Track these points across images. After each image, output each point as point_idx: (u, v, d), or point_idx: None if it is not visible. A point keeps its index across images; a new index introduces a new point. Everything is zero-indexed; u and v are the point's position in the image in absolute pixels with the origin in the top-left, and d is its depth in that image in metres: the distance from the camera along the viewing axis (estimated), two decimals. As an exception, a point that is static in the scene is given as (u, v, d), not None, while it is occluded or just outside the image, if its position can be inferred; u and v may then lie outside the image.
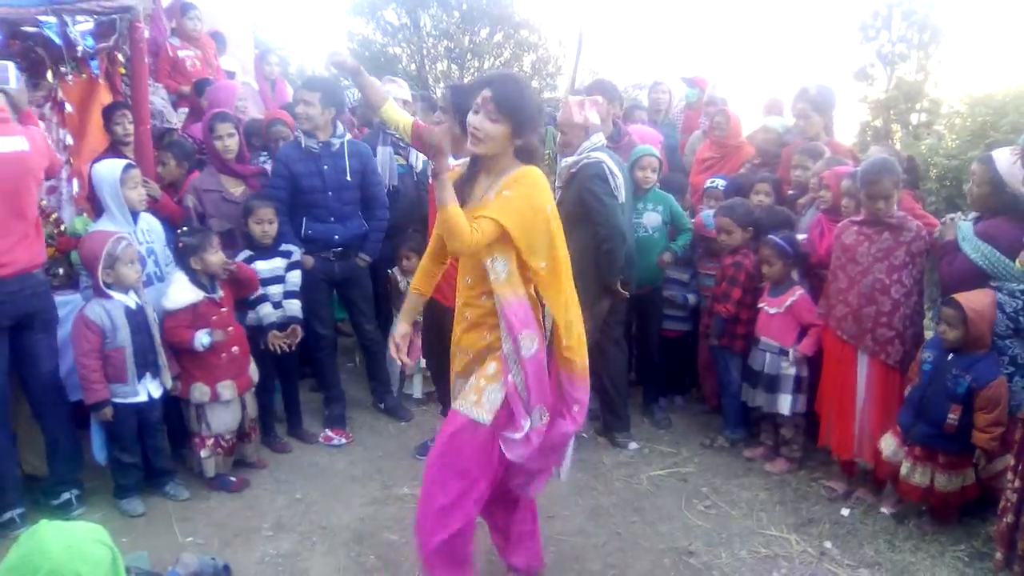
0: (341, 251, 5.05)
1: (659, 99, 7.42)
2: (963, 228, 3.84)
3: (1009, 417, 3.59)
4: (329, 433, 5.02)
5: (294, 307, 4.76)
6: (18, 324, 3.86)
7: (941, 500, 3.84)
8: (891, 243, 3.97)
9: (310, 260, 4.94)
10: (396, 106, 4.50)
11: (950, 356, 3.75)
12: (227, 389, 4.30)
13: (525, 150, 2.84)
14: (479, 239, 2.67)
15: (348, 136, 5.03)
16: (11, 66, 4.06)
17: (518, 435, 2.86)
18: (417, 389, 5.78)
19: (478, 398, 2.89)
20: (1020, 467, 3.34)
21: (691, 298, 5.27)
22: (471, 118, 2.77)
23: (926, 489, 3.82)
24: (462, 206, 2.79)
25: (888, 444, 3.93)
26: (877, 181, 3.92)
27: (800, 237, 4.63)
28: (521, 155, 2.85)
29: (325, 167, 4.86)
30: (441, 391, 4.95)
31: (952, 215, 4.06)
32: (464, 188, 2.92)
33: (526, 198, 2.75)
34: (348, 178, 4.94)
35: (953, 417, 3.67)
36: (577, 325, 2.95)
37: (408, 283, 5.33)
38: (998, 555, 3.47)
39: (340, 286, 5.21)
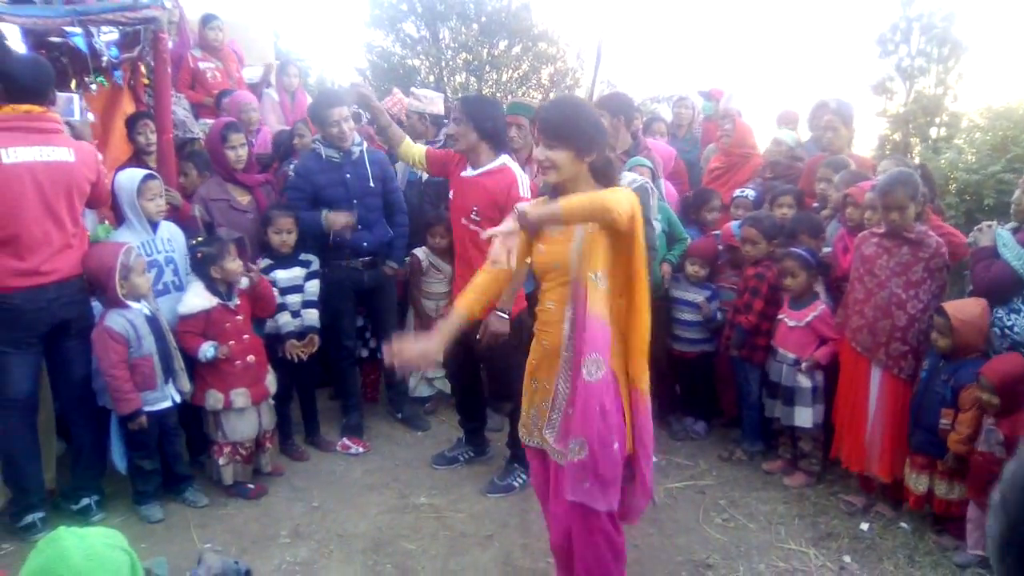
0: (369, 260, 5.01)
1: (682, 114, 7.39)
2: (1003, 236, 3.81)
3: None
4: (347, 442, 5.03)
5: (312, 316, 4.79)
6: (54, 330, 3.91)
7: (943, 508, 3.85)
8: (910, 258, 3.95)
9: (340, 218, 4.81)
10: (410, 143, 4.70)
11: (940, 363, 3.80)
12: (240, 397, 4.32)
13: (601, 171, 2.79)
14: (628, 208, 2.57)
15: (365, 144, 5.05)
16: (76, 99, 4.12)
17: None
18: (424, 389, 5.75)
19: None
20: None
21: (718, 315, 5.09)
22: (535, 152, 2.81)
23: (925, 496, 3.86)
24: (539, 237, 2.82)
25: (910, 474, 3.96)
26: (891, 192, 3.91)
27: (824, 250, 4.62)
28: (599, 177, 2.79)
29: (347, 176, 4.86)
30: (461, 401, 4.93)
31: (989, 222, 4.03)
32: None
33: (627, 200, 2.62)
34: (371, 184, 4.93)
35: (945, 422, 3.71)
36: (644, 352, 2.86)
37: (431, 263, 5.42)
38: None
39: (367, 296, 5.16)
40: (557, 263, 2.81)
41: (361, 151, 4.90)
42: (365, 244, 4.92)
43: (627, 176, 4.32)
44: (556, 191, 2.82)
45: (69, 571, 1.77)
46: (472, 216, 4.25)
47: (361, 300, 5.20)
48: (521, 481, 4.39)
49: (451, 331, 2.88)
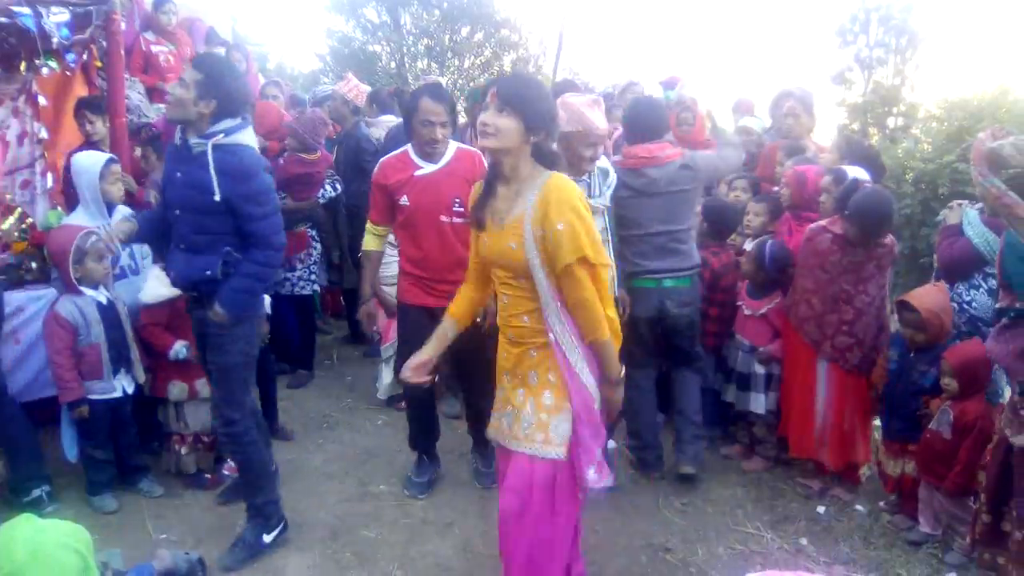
0: (196, 296, 3.64)
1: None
2: (970, 214, 3.91)
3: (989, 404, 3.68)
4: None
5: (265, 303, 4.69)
6: None
7: (912, 486, 3.91)
8: (862, 257, 4.00)
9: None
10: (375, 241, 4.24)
11: (912, 354, 3.85)
12: (206, 386, 4.23)
13: (543, 152, 2.73)
14: (596, 294, 2.67)
15: (222, 139, 3.41)
16: None
17: (592, 470, 2.79)
18: (384, 386, 5.54)
19: (546, 435, 2.75)
20: (993, 459, 3.37)
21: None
22: (481, 116, 2.71)
23: (899, 478, 3.93)
24: (483, 228, 2.79)
25: (887, 461, 4.03)
26: (871, 223, 3.92)
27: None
28: (541, 158, 2.74)
29: (178, 175, 3.55)
30: (416, 412, 4.40)
31: (959, 201, 4.13)
32: (485, 206, 2.80)
33: (579, 219, 2.61)
34: (205, 196, 3.40)
35: (926, 409, 3.77)
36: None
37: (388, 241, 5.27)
38: (967, 540, 3.57)
39: (200, 343, 3.78)
40: (508, 260, 2.75)
41: (204, 150, 3.35)
42: (171, 274, 3.70)
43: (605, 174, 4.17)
44: (491, 178, 2.80)
45: (9, 564, 1.73)
46: (454, 208, 3.94)
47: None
48: (434, 474, 4.40)
49: (443, 337, 2.99)
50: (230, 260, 3.44)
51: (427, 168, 3.95)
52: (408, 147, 4.03)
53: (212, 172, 3.32)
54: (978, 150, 3.07)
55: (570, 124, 3.63)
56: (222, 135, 3.35)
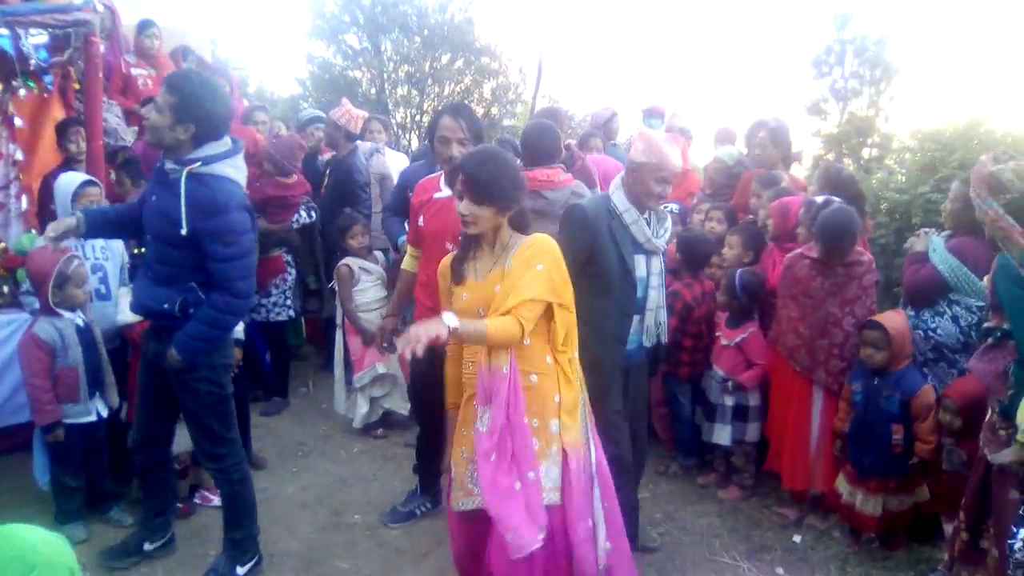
0: (155, 326, 3.56)
1: (612, 129, 7.46)
2: (935, 242, 3.97)
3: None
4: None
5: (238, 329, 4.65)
6: None
7: (892, 524, 3.90)
8: (844, 278, 4.01)
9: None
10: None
11: (876, 381, 3.84)
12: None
13: (518, 219, 2.96)
14: (528, 327, 2.76)
15: (198, 168, 3.27)
16: None
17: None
18: (358, 416, 5.46)
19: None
20: (972, 476, 3.37)
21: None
22: (459, 206, 2.88)
23: (881, 517, 3.87)
24: (463, 282, 2.96)
25: (843, 486, 3.99)
26: (834, 236, 3.95)
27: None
28: (516, 227, 2.96)
29: (153, 197, 3.48)
30: (426, 445, 4.26)
31: (926, 229, 4.19)
32: (466, 265, 3.00)
33: (555, 266, 2.87)
34: (172, 227, 3.25)
35: (897, 437, 3.77)
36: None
37: (361, 268, 5.32)
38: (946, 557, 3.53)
39: (164, 377, 3.52)
40: (480, 308, 2.89)
41: (178, 177, 3.19)
42: (131, 297, 3.58)
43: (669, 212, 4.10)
44: (473, 241, 2.98)
45: (41, 556, 1.71)
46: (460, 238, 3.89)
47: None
48: (424, 510, 4.30)
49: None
50: (190, 298, 3.27)
51: (445, 192, 3.84)
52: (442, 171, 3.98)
53: (182, 203, 3.13)
54: (978, 172, 3.08)
55: (644, 155, 3.47)
56: (200, 163, 3.17)
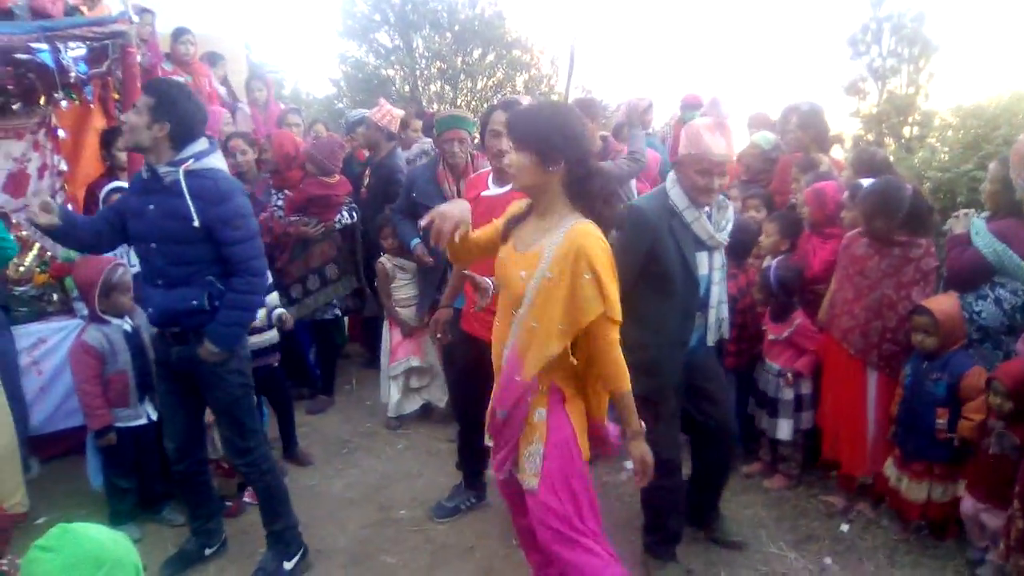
0: (178, 331, 3.53)
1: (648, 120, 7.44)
2: (977, 224, 3.87)
3: None
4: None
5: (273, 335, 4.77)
6: None
7: (940, 513, 3.83)
8: (901, 259, 3.92)
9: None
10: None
11: (925, 364, 3.77)
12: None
13: (577, 190, 2.61)
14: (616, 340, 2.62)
15: (192, 165, 3.38)
16: None
17: None
18: (391, 404, 5.56)
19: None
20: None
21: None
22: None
23: (924, 504, 3.81)
24: (505, 241, 2.75)
25: (890, 470, 3.94)
26: (871, 203, 3.90)
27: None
28: (575, 197, 2.63)
29: (151, 206, 3.49)
30: (466, 442, 4.26)
31: (966, 210, 4.09)
32: (515, 227, 2.78)
33: (605, 270, 2.56)
34: (182, 225, 3.36)
35: (941, 421, 3.69)
36: None
37: (396, 266, 5.39)
38: (1001, 546, 3.41)
39: (187, 381, 3.63)
40: (508, 284, 2.74)
41: (176, 178, 3.28)
42: (150, 309, 3.50)
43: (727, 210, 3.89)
44: (530, 204, 2.76)
45: (109, 554, 1.77)
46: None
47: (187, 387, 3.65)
48: (468, 504, 4.33)
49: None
50: (212, 291, 3.38)
51: (493, 191, 3.84)
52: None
53: (188, 198, 3.24)
54: (1018, 152, 3.00)
55: (684, 147, 3.33)
56: (192, 160, 3.30)
